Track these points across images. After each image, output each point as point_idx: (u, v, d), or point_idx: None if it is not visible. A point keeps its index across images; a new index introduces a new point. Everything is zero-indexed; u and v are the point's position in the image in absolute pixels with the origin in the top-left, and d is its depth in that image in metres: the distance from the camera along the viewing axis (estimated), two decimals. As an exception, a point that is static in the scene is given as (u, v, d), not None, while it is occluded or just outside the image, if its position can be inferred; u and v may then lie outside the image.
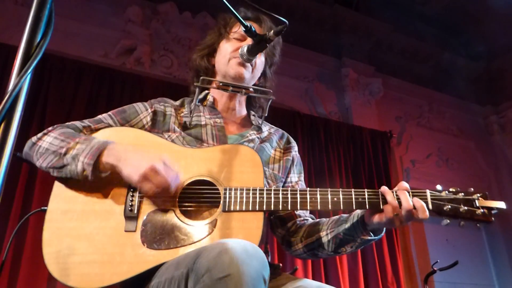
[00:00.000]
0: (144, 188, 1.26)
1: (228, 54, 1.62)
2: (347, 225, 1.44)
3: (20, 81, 0.67)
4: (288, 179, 1.67)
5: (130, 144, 1.36)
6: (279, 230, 1.63)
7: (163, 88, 4.33)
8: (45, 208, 1.34)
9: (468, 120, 6.84)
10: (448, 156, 6.28)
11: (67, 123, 1.47)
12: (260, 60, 1.67)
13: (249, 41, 1.59)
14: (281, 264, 1.59)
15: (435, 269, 3.22)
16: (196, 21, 4.90)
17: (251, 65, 1.62)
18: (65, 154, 1.31)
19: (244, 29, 1.37)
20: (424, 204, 1.30)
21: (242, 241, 1.06)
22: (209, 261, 0.98)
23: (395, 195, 1.32)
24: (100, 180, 1.32)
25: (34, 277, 3.15)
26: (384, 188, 1.35)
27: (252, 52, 1.49)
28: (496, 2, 5.89)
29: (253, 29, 1.37)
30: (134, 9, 4.64)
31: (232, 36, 1.66)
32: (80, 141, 1.32)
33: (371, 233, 1.42)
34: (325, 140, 5.07)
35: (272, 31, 1.36)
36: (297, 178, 1.70)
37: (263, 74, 1.74)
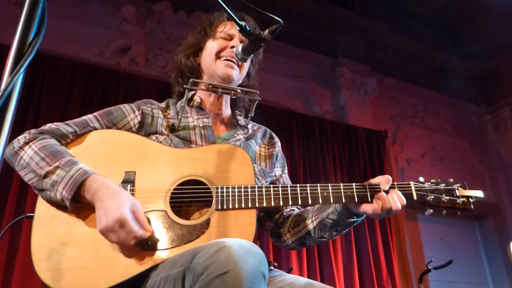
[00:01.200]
0: (108, 239, 1.23)
1: (213, 54, 1.63)
2: (330, 210, 1.51)
3: (12, 81, 0.67)
4: (272, 173, 1.70)
5: (106, 181, 1.29)
6: (267, 223, 1.67)
7: (158, 87, 4.32)
8: (31, 214, 1.31)
9: (462, 119, 6.88)
10: (442, 155, 6.31)
11: (52, 127, 1.43)
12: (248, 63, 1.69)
13: (236, 40, 1.63)
14: (276, 264, 1.59)
15: (430, 268, 3.24)
16: (191, 21, 4.88)
17: (238, 66, 1.64)
18: (44, 177, 1.28)
19: (239, 29, 1.37)
20: (396, 198, 1.38)
21: (239, 239, 1.06)
22: (206, 259, 0.98)
23: (386, 197, 1.39)
24: None
25: (27, 280, 3.11)
26: (378, 195, 1.40)
27: (247, 51, 1.49)
28: (491, 2, 5.92)
29: (248, 28, 1.37)
30: (129, 8, 4.62)
31: (218, 35, 1.67)
32: (60, 166, 1.28)
33: (354, 216, 1.49)
34: (320, 139, 5.08)
35: (267, 30, 1.36)
36: (280, 171, 1.74)
37: (247, 73, 1.75)
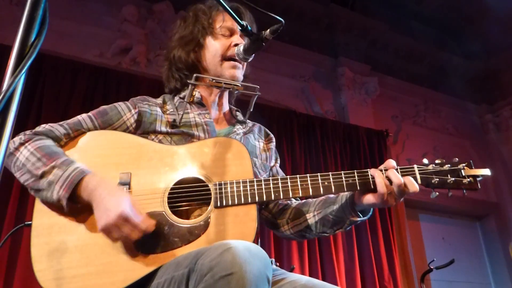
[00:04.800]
0: (112, 237, 1.21)
1: (219, 56, 1.60)
2: (335, 207, 1.46)
3: (14, 81, 0.66)
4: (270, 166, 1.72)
5: (104, 179, 1.28)
6: (263, 211, 1.65)
7: (159, 87, 4.28)
8: (29, 222, 1.30)
9: (463, 119, 6.87)
10: (444, 154, 6.29)
11: (46, 129, 1.41)
12: None
13: (237, 37, 1.61)
14: (277, 263, 1.59)
15: (432, 267, 3.22)
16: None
17: (242, 64, 1.63)
18: (41, 177, 1.27)
19: (240, 28, 1.37)
20: (412, 179, 1.34)
21: (245, 241, 1.06)
22: (211, 260, 0.97)
23: (384, 175, 1.35)
24: None
25: (28, 282, 3.11)
26: (373, 171, 1.38)
27: (248, 51, 1.49)
28: (492, 2, 5.91)
29: (250, 28, 1.37)
30: (130, 8, 4.62)
31: (218, 31, 1.63)
32: (57, 165, 1.27)
33: (360, 214, 1.44)
34: (321, 139, 5.07)
35: (268, 30, 1.36)
36: (274, 162, 1.75)
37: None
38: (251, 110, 1.64)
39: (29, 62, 0.69)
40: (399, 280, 4.73)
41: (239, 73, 1.61)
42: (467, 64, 6.99)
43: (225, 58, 1.60)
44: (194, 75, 1.56)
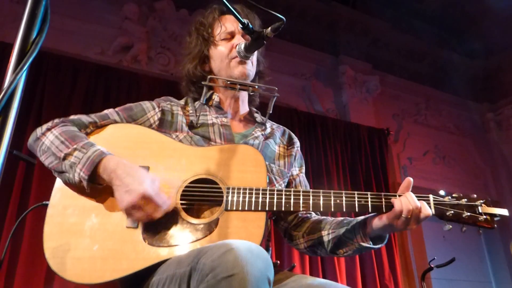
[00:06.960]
0: (133, 217, 1.26)
1: (226, 58, 1.61)
2: (348, 227, 1.47)
3: (15, 78, 0.67)
4: (289, 173, 1.69)
5: (123, 159, 1.32)
6: (282, 222, 1.66)
7: (160, 85, 4.32)
8: (46, 202, 1.36)
9: (465, 117, 6.86)
10: (445, 153, 6.29)
11: (73, 118, 1.47)
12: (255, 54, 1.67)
13: (238, 37, 1.61)
14: (278, 262, 1.60)
15: (432, 266, 3.22)
16: (193, 19, 4.87)
17: (251, 61, 1.62)
18: (63, 159, 1.32)
19: (241, 27, 1.37)
20: (426, 204, 1.33)
21: (247, 242, 1.06)
22: (213, 260, 0.98)
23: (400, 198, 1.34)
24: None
25: (31, 276, 3.13)
26: (393, 200, 1.35)
27: (250, 49, 1.50)
28: (493, 1, 5.90)
29: (251, 26, 1.37)
30: (131, 6, 4.62)
31: (218, 38, 1.64)
32: (78, 148, 1.32)
33: (370, 241, 1.44)
34: (322, 137, 5.08)
35: (270, 28, 1.36)
36: (298, 170, 1.73)
37: (257, 68, 1.74)
38: (270, 111, 1.65)
39: (31, 59, 0.70)
40: (400, 279, 4.73)
41: (248, 68, 1.60)
42: (469, 63, 6.98)
43: (230, 59, 1.61)
44: (208, 76, 1.60)
